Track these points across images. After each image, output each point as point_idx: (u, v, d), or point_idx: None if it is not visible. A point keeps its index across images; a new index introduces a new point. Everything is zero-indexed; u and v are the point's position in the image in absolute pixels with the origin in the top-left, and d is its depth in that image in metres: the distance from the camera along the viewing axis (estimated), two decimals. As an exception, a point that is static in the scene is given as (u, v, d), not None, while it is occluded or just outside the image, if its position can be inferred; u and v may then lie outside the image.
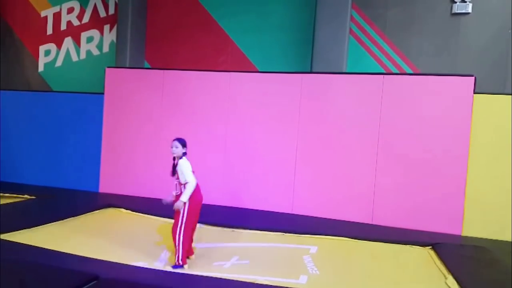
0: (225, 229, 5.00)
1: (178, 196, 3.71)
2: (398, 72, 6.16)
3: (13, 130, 7.12)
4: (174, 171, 3.80)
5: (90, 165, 6.62)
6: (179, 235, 3.64)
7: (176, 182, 3.80)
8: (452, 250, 4.23)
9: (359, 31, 6.36)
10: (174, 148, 3.80)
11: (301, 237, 4.81)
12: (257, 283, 3.18)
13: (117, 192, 6.45)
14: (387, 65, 6.24)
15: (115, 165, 6.48)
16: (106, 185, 6.55)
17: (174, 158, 3.83)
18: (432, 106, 5.17)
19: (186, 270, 3.48)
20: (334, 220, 5.43)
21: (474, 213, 5.03)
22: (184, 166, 3.71)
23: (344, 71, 5.91)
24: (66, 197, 5.99)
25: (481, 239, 4.89)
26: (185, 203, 3.64)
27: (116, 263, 3.46)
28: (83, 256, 3.56)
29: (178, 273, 3.30)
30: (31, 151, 7.00)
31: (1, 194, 6.04)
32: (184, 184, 3.67)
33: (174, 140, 3.85)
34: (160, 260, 3.92)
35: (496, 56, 5.80)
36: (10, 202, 5.42)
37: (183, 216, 3.65)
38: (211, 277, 3.26)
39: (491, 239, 4.89)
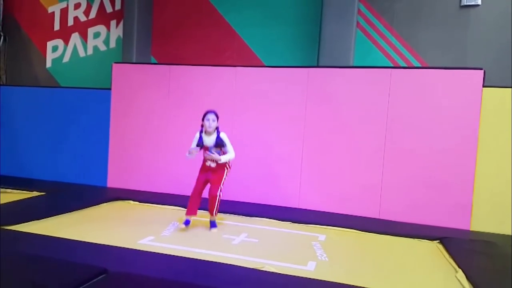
0: (232, 215, 5.11)
1: (219, 165, 4.27)
2: (406, 65, 6.10)
3: (22, 126, 7.18)
4: (201, 144, 4.25)
5: (98, 160, 6.66)
6: (219, 195, 4.32)
7: (209, 154, 4.20)
8: (460, 244, 4.20)
9: (367, 24, 6.30)
10: (211, 122, 4.16)
11: (309, 226, 4.86)
12: (266, 271, 3.20)
13: (125, 186, 6.49)
14: (395, 59, 6.18)
15: (123, 160, 6.52)
16: (114, 180, 6.59)
17: (201, 131, 4.26)
18: (440, 100, 5.11)
19: (197, 256, 3.50)
20: (341, 214, 5.42)
21: (482, 208, 4.98)
22: (228, 139, 4.28)
23: (351, 65, 5.87)
24: (74, 192, 6.03)
25: (489, 233, 4.85)
26: (226, 168, 4.37)
27: (125, 249, 3.52)
28: (91, 243, 3.63)
29: (189, 262, 3.30)
30: (40, 147, 7.06)
31: (10, 189, 6.09)
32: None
33: (209, 112, 4.20)
34: (168, 229, 4.35)
35: (506, 49, 5.70)
36: (19, 197, 5.47)
37: (224, 179, 4.35)
38: (223, 264, 3.28)
39: (500, 234, 4.84)
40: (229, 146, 4.28)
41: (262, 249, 3.83)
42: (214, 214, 4.40)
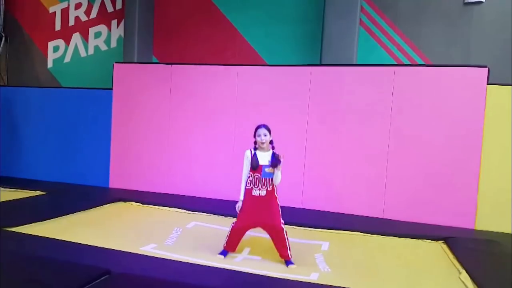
0: (234, 218, 4.93)
1: (270, 192, 3.53)
2: (409, 63, 6.06)
3: (24, 127, 7.17)
4: (256, 165, 3.47)
5: (100, 160, 6.64)
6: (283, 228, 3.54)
7: (259, 177, 3.50)
8: (464, 244, 4.16)
9: (370, 22, 6.25)
10: (262, 137, 3.50)
11: (312, 231, 4.76)
12: (268, 276, 3.16)
13: (127, 187, 6.47)
14: (399, 57, 6.14)
15: (125, 160, 6.50)
16: (116, 180, 6.57)
17: (255, 148, 3.58)
18: (444, 98, 5.07)
19: (199, 261, 3.45)
20: (345, 214, 5.39)
21: (487, 207, 4.94)
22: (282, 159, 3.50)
23: (354, 63, 5.83)
24: (76, 192, 6.01)
25: (494, 232, 4.81)
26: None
27: (127, 253, 3.47)
28: (93, 246, 3.59)
29: (190, 266, 3.27)
30: (41, 147, 7.05)
31: (13, 190, 6.08)
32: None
33: (260, 127, 3.54)
34: (171, 236, 4.18)
35: (510, 46, 5.66)
36: (21, 198, 5.46)
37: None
38: (224, 269, 3.24)
39: (504, 233, 4.80)
40: (279, 168, 3.53)
41: (265, 265, 3.57)
42: (289, 256, 3.53)
